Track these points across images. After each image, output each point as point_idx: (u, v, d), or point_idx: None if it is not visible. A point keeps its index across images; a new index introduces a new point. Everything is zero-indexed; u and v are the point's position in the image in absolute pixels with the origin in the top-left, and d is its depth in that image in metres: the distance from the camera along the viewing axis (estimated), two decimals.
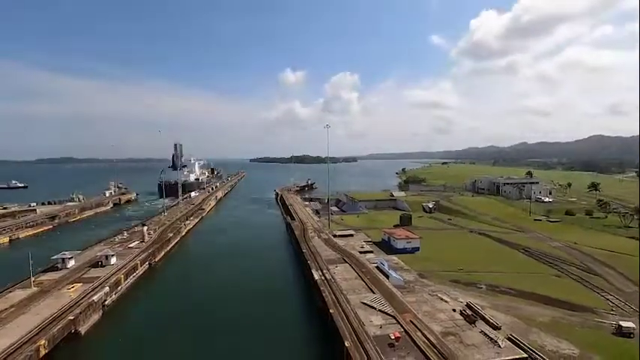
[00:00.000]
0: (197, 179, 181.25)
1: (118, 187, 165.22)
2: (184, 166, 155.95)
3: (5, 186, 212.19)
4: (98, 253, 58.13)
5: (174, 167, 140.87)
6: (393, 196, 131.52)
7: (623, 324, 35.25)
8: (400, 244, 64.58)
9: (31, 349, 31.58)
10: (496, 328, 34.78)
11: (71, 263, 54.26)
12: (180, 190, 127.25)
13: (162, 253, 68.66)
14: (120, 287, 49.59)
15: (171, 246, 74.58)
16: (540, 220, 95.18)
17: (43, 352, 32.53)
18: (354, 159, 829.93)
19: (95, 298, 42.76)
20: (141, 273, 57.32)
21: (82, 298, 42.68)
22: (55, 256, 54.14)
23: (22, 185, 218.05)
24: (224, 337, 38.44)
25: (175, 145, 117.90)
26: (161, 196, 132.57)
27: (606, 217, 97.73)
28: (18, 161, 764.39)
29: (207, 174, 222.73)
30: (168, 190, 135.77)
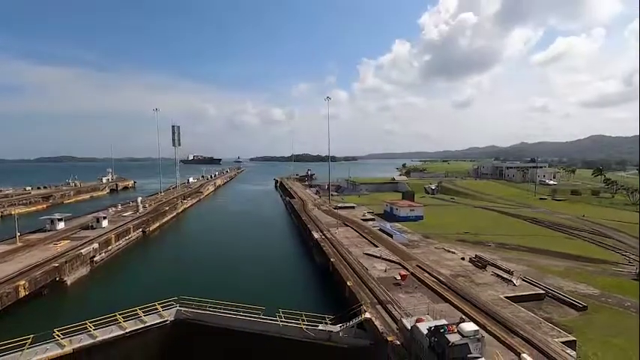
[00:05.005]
0: (247, 162, 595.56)
1: (116, 176, 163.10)
2: (239, 161, 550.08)
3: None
4: (89, 217, 55.90)
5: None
6: (394, 179, 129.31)
7: None
8: (403, 212, 62.19)
9: (10, 287, 29.40)
10: (509, 272, 32.53)
11: (60, 225, 51.95)
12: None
13: (157, 224, 66.39)
14: (110, 247, 47.29)
15: (167, 218, 72.35)
16: (545, 199, 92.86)
17: (23, 292, 30.31)
18: (353, 158, 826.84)
19: (83, 251, 40.53)
20: (134, 238, 55.11)
21: (69, 250, 40.48)
22: (43, 217, 51.88)
23: None
24: (221, 290, 36.05)
25: (173, 126, 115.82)
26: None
27: (613, 196, 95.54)
28: (16, 160, 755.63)
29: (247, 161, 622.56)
30: (240, 163, 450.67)
